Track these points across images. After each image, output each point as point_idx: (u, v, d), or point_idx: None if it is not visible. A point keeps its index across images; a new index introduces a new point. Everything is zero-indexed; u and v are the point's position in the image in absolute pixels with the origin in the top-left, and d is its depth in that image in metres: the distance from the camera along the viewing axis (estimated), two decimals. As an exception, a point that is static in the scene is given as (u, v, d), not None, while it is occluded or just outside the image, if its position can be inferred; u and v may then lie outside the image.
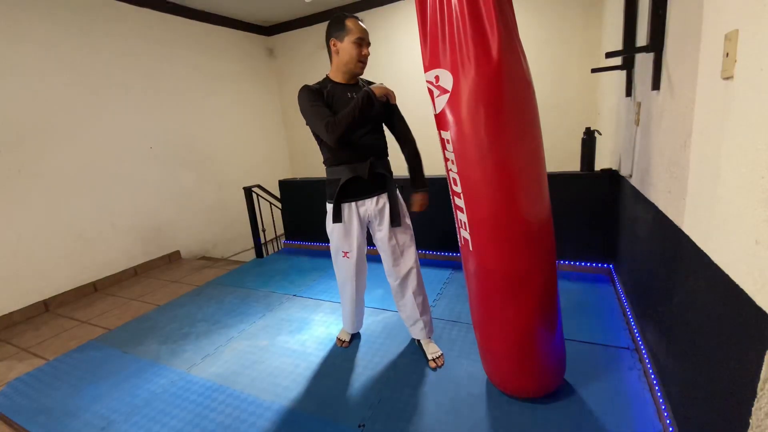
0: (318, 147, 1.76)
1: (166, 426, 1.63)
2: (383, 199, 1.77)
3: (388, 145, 1.81)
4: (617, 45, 2.28)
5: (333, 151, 1.69)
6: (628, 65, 2.05)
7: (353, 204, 1.75)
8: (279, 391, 1.78)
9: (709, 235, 1.00)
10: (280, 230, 4.48)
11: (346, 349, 2.06)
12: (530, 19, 3.96)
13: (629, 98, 2.10)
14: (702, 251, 1.03)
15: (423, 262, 3.04)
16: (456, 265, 2.99)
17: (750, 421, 0.76)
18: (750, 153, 0.78)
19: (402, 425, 1.50)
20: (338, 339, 2.11)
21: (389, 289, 2.00)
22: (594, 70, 2.12)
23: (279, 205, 4.11)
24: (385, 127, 1.80)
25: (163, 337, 2.38)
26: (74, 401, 1.85)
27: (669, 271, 1.34)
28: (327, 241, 1.88)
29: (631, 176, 2.01)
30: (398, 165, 1.93)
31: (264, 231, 4.02)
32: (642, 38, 1.72)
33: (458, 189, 1.37)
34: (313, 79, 1.77)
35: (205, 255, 4.49)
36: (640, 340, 1.75)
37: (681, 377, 1.22)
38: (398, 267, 1.83)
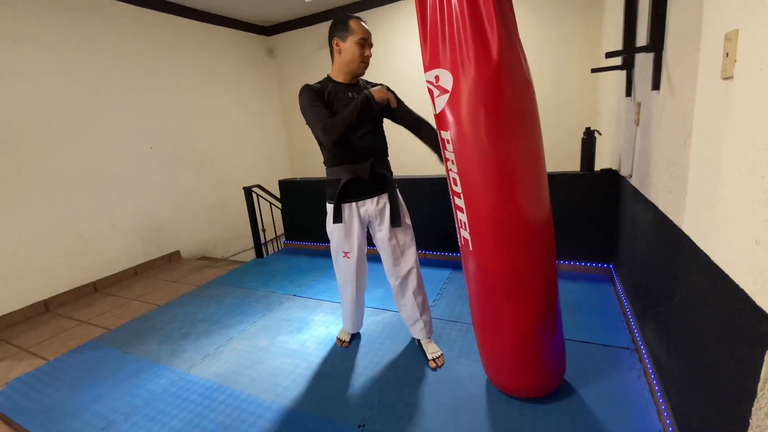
0: (318, 147, 1.76)
1: (166, 426, 1.63)
2: (384, 199, 1.77)
3: (388, 146, 1.81)
4: (617, 45, 2.28)
5: (333, 151, 1.69)
6: (628, 65, 2.05)
7: (354, 204, 1.75)
8: (279, 391, 1.78)
9: (709, 235, 1.00)
10: (280, 230, 4.48)
11: (346, 349, 2.06)
12: (530, 19, 3.96)
13: (629, 98, 2.10)
14: (702, 251, 1.03)
15: (423, 262, 3.04)
16: (456, 265, 2.99)
17: (750, 421, 0.76)
18: (750, 153, 0.78)
19: (402, 425, 1.50)
20: (338, 339, 2.11)
21: (389, 289, 2.00)
22: (594, 70, 2.12)
23: (279, 205, 4.11)
24: (385, 128, 1.80)
25: (163, 337, 2.38)
26: (74, 401, 1.85)
27: (669, 271, 1.34)
28: (327, 241, 1.89)
29: (631, 176, 2.01)
30: (399, 165, 1.93)
31: (264, 231, 4.02)
32: (642, 38, 1.71)
33: (458, 189, 1.37)
34: (313, 78, 1.77)
35: (205, 255, 4.49)
36: (640, 340, 1.75)
37: (681, 377, 1.22)
38: (398, 267, 1.83)
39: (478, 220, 1.34)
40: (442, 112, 1.31)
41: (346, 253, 1.83)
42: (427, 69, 1.33)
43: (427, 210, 2.93)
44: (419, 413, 1.55)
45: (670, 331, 1.34)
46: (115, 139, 3.62)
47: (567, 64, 3.95)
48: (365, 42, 1.62)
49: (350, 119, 1.52)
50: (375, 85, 1.77)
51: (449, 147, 1.34)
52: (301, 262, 3.50)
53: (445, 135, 1.34)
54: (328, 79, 1.70)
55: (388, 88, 1.76)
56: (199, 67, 4.52)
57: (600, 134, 2.57)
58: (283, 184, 3.88)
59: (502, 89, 1.20)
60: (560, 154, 3.83)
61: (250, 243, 4.13)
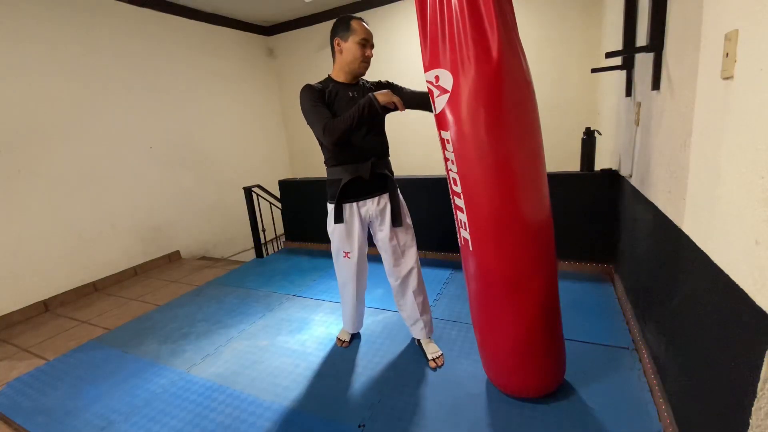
0: (319, 147, 1.76)
1: (166, 426, 1.63)
2: (384, 199, 1.77)
3: (389, 145, 1.81)
4: (617, 45, 2.28)
5: (334, 151, 1.69)
6: (628, 65, 2.05)
7: (354, 204, 1.75)
8: (279, 391, 1.78)
9: (709, 235, 1.00)
10: (280, 230, 4.48)
11: (346, 349, 2.06)
12: (530, 19, 3.96)
13: (629, 98, 2.10)
14: (702, 251, 1.03)
15: (423, 262, 3.04)
16: (456, 265, 2.99)
17: (750, 421, 0.76)
18: (750, 153, 0.78)
19: (402, 425, 1.50)
20: (338, 339, 2.11)
21: (389, 288, 2.00)
22: (594, 70, 2.12)
23: (279, 205, 4.11)
24: (385, 128, 1.80)
25: (163, 337, 2.38)
26: (74, 401, 1.85)
27: (669, 271, 1.34)
28: (327, 241, 1.89)
29: (631, 176, 2.01)
30: (399, 165, 1.93)
31: (264, 231, 4.02)
32: (642, 38, 1.71)
33: (458, 189, 1.37)
34: (313, 79, 1.77)
35: (205, 255, 4.49)
36: (640, 340, 1.75)
37: (681, 377, 1.22)
38: (399, 267, 1.83)
39: (478, 220, 1.34)
40: (442, 112, 1.31)
41: (347, 253, 1.83)
42: (427, 69, 1.33)
43: (427, 210, 2.92)
44: (419, 413, 1.55)
45: (670, 331, 1.34)
46: (115, 139, 3.62)
47: (567, 64, 3.95)
48: (366, 42, 1.62)
49: (351, 122, 1.52)
50: (376, 84, 1.77)
51: (449, 147, 1.34)
52: (301, 262, 3.49)
53: (445, 135, 1.34)
54: (329, 79, 1.70)
55: (389, 83, 1.76)
56: (199, 67, 4.51)
57: (600, 134, 2.57)
58: (283, 184, 3.88)
59: (502, 89, 1.20)
60: (560, 154, 3.83)
61: (250, 243, 4.13)
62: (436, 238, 3.14)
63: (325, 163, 1.77)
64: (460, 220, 1.41)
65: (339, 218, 1.75)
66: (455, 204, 1.42)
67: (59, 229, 3.20)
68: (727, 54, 0.86)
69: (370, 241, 1.87)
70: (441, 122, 1.34)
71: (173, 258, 4.12)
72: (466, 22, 1.18)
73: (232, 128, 5.02)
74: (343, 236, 1.79)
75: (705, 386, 1.03)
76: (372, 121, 1.67)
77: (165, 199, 4.09)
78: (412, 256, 1.83)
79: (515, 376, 1.51)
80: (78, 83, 3.34)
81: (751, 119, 0.78)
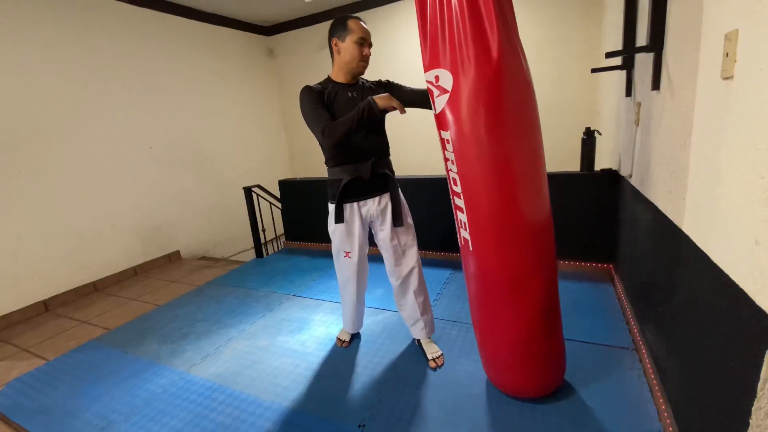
0: (319, 147, 1.76)
1: (166, 426, 1.63)
2: (385, 199, 1.77)
3: (389, 145, 1.81)
4: (617, 45, 2.28)
5: (335, 151, 1.68)
6: (628, 65, 2.05)
7: (355, 204, 1.75)
8: (279, 391, 1.78)
9: (709, 235, 1.00)
10: (280, 230, 4.48)
11: (346, 349, 2.06)
12: (530, 19, 3.96)
13: (629, 98, 2.10)
14: (702, 251, 1.03)
15: (423, 261, 3.03)
16: (456, 265, 2.99)
17: (750, 421, 0.76)
18: (750, 153, 0.78)
19: (402, 425, 1.50)
20: (338, 339, 2.11)
21: (390, 288, 2.00)
22: (594, 70, 2.12)
23: (279, 205, 4.11)
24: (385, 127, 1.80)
25: (163, 337, 2.38)
26: (74, 401, 1.85)
27: (669, 271, 1.34)
28: (327, 241, 1.89)
29: (631, 176, 2.01)
30: (399, 165, 1.93)
31: (264, 231, 4.02)
32: (642, 38, 1.71)
33: (458, 189, 1.37)
34: (313, 79, 1.77)
35: (205, 255, 4.49)
36: (640, 340, 1.75)
37: (681, 377, 1.22)
38: (400, 267, 1.83)
39: (478, 220, 1.34)
40: (442, 112, 1.31)
41: (348, 253, 1.83)
42: (427, 69, 1.33)
43: (427, 210, 2.92)
44: (419, 413, 1.55)
45: (670, 331, 1.34)
46: (115, 139, 3.62)
47: (567, 64, 3.95)
48: (364, 41, 1.62)
49: (350, 125, 1.52)
50: (376, 83, 1.77)
51: (449, 147, 1.34)
52: (301, 262, 3.49)
53: (445, 135, 1.34)
54: (329, 79, 1.70)
55: (389, 82, 1.76)
56: (199, 67, 4.51)
57: (600, 134, 2.57)
58: (283, 184, 3.88)
59: (502, 89, 1.20)
60: (560, 154, 3.83)
61: (250, 243, 4.13)
62: (436, 238, 3.14)
63: (325, 163, 1.77)
64: (460, 220, 1.41)
65: (340, 218, 1.75)
66: (455, 204, 1.42)
67: (59, 229, 3.20)
68: (727, 54, 0.86)
69: (371, 240, 1.87)
70: (441, 122, 1.34)
71: (173, 258, 4.12)
72: (466, 22, 1.18)
73: (232, 128, 5.02)
74: (343, 236, 1.79)
75: (705, 386, 1.03)
76: (371, 123, 1.67)
77: (165, 199, 4.09)
78: (413, 255, 1.83)
79: (515, 376, 1.51)
80: (78, 83, 3.34)
81: (751, 119, 0.78)
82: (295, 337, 2.23)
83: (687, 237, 1.14)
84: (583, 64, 3.82)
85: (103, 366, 2.13)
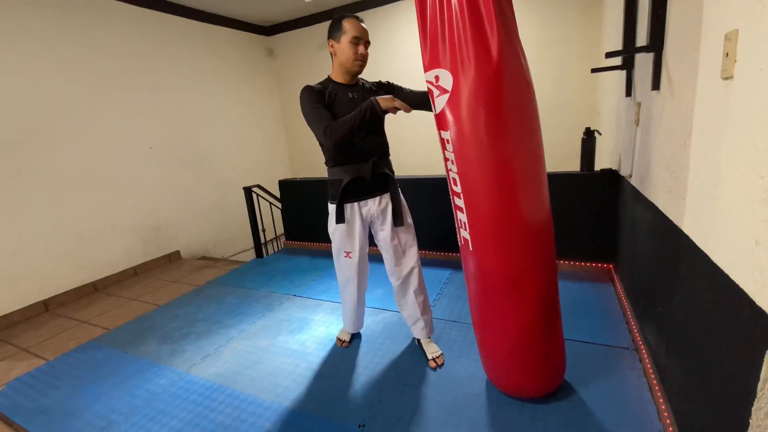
0: (319, 147, 1.76)
1: (166, 426, 1.63)
2: (386, 198, 1.77)
3: (389, 145, 1.81)
4: (617, 45, 2.28)
5: (335, 152, 1.68)
6: (628, 65, 2.05)
7: (355, 204, 1.75)
8: (279, 391, 1.78)
9: (709, 235, 1.00)
10: (280, 230, 4.48)
11: (346, 349, 2.06)
12: (530, 19, 3.96)
13: (629, 98, 2.10)
14: (702, 251, 1.03)
15: (423, 261, 3.04)
16: (456, 265, 2.99)
17: (750, 421, 0.76)
18: (750, 153, 0.78)
19: (402, 425, 1.50)
20: (338, 339, 2.11)
21: (390, 288, 2.00)
22: (594, 70, 2.12)
23: (279, 205, 4.11)
24: (385, 127, 1.80)
25: (163, 337, 2.38)
26: (74, 401, 1.85)
27: (669, 271, 1.34)
28: (327, 241, 1.89)
29: (631, 176, 2.01)
30: (399, 165, 1.93)
31: (264, 231, 4.02)
32: (642, 38, 1.71)
33: (458, 189, 1.37)
34: (313, 79, 1.77)
35: (205, 255, 4.49)
36: (640, 340, 1.75)
37: (681, 377, 1.22)
38: (400, 267, 1.83)
39: (478, 220, 1.34)
40: (442, 112, 1.31)
41: (348, 253, 1.83)
42: (427, 69, 1.33)
43: (427, 210, 2.92)
44: (419, 413, 1.55)
45: (670, 331, 1.34)
46: (114, 139, 3.62)
47: (567, 64, 3.95)
48: (358, 40, 1.60)
49: (353, 125, 1.52)
50: (376, 84, 1.77)
51: (449, 147, 1.34)
52: (301, 262, 3.49)
53: (445, 135, 1.34)
54: (329, 79, 1.70)
55: (389, 83, 1.76)
56: (199, 67, 4.51)
57: (600, 134, 2.57)
58: (283, 184, 3.88)
59: (502, 89, 1.20)
60: (560, 154, 3.83)
61: (250, 243, 4.13)
62: (436, 238, 3.14)
63: (325, 163, 1.77)
64: (460, 220, 1.41)
65: (340, 218, 1.75)
66: (455, 204, 1.42)
67: (59, 229, 3.20)
68: (727, 54, 0.87)
69: (371, 240, 1.87)
70: (441, 122, 1.34)
71: (173, 258, 4.12)
72: (466, 22, 1.18)
73: (232, 128, 5.02)
74: (344, 236, 1.79)
75: (705, 386, 1.03)
76: (372, 123, 1.67)
77: (165, 199, 4.09)
78: (413, 255, 1.83)
79: (515, 376, 1.51)
80: (78, 83, 3.34)
81: (751, 119, 0.78)
82: (295, 337, 2.23)
83: (687, 237, 1.14)
84: (583, 64, 3.82)
85: (103, 366, 2.13)
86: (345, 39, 1.60)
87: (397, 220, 1.77)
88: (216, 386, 1.85)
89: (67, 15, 3.26)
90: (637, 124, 1.83)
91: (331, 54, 1.67)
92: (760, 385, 0.73)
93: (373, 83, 1.78)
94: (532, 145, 1.30)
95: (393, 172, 1.80)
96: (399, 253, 1.82)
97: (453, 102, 1.26)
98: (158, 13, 4.03)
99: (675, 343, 1.29)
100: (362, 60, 1.64)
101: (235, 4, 4.47)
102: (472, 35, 1.18)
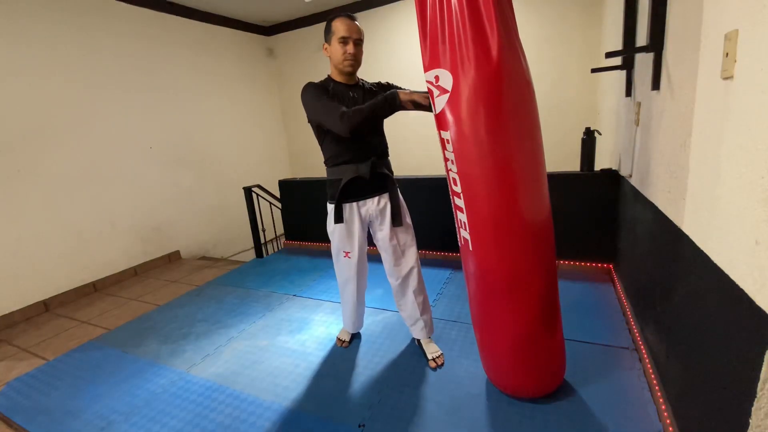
0: (319, 147, 1.76)
1: (165, 426, 1.63)
2: (384, 198, 1.77)
3: (388, 146, 1.81)
4: (617, 45, 2.28)
5: (335, 150, 1.68)
6: (628, 65, 2.05)
7: (354, 204, 1.75)
8: (279, 391, 1.78)
9: (709, 235, 1.00)
10: (280, 230, 4.48)
11: (346, 349, 2.06)
12: (530, 18, 3.96)
13: (629, 98, 2.10)
14: (702, 251, 1.03)
15: (423, 261, 3.04)
16: (456, 265, 2.99)
17: (750, 421, 0.76)
18: (750, 153, 0.78)
19: (402, 425, 1.50)
20: (338, 339, 2.11)
21: (389, 288, 2.00)
22: (594, 70, 2.12)
23: (279, 205, 4.11)
24: (385, 128, 1.80)
25: (163, 337, 2.38)
26: (74, 401, 1.85)
27: (669, 271, 1.34)
28: (327, 240, 1.89)
29: (631, 176, 2.01)
30: (399, 165, 1.93)
31: (264, 231, 4.01)
32: (642, 38, 1.71)
33: (458, 189, 1.37)
34: (313, 79, 1.77)
35: (205, 255, 4.49)
36: (640, 340, 1.75)
37: (681, 377, 1.22)
38: (399, 267, 1.83)
39: (478, 220, 1.34)
40: (442, 112, 1.31)
41: (347, 253, 1.83)
42: (427, 69, 1.33)
43: (427, 210, 2.92)
44: (419, 413, 1.55)
45: (670, 331, 1.34)
46: (114, 139, 3.62)
47: (567, 64, 3.95)
48: (346, 39, 1.60)
49: (369, 113, 1.50)
50: (377, 85, 1.77)
51: (449, 147, 1.34)
52: (301, 262, 3.49)
53: (445, 135, 1.34)
54: (329, 78, 1.71)
55: (390, 84, 1.77)
56: (199, 67, 4.51)
57: (600, 134, 2.57)
58: (283, 184, 3.88)
59: (502, 89, 1.20)
60: (560, 154, 3.83)
61: (250, 243, 4.12)
62: (436, 238, 3.14)
63: (324, 163, 1.77)
64: (460, 220, 1.41)
65: (339, 218, 1.75)
66: (455, 204, 1.42)
67: (59, 229, 3.20)
68: (727, 54, 0.87)
69: (370, 240, 1.87)
70: (441, 122, 1.34)
71: (173, 258, 4.11)
72: (466, 22, 1.18)
73: (232, 128, 5.02)
74: (343, 236, 1.79)
75: (705, 386, 1.03)
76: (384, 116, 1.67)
77: (165, 199, 4.09)
78: (412, 255, 1.83)
79: (515, 375, 1.51)
80: (78, 83, 3.34)
81: (751, 119, 0.78)
82: (295, 337, 2.23)
83: (687, 237, 1.14)
84: (583, 64, 3.82)
85: (103, 366, 2.13)
86: (334, 39, 1.60)
87: (396, 221, 1.77)
88: (216, 386, 1.85)
89: (67, 15, 3.26)
90: (637, 124, 1.83)
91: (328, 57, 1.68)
92: (760, 385, 0.73)
93: (373, 84, 1.78)
94: (532, 145, 1.30)
95: (392, 173, 1.80)
96: (398, 254, 1.82)
97: (453, 102, 1.26)
98: (158, 13, 4.03)
99: (675, 343, 1.29)
100: (352, 59, 1.63)
101: (235, 4, 4.47)
102: (472, 35, 1.18)
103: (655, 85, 1.49)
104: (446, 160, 1.39)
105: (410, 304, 1.85)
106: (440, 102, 1.31)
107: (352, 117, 1.49)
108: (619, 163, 2.39)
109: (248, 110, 5.30)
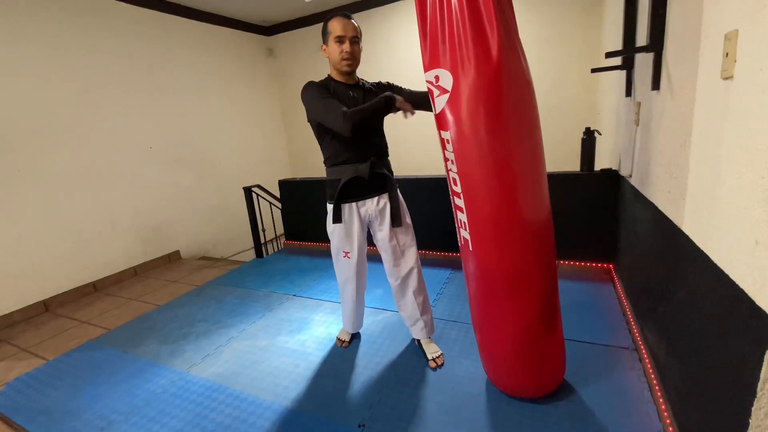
0: (318, 146, 1.76)
1: (165, 426, 1.63)
2: (384, 199, 1.77)
3: (388, 146, 1.81)
4: (617, 45, 2.28)
5: (334, 150, 1.68)
6: (628, 65, 2.05)
7: (354, 204, 1.75)
8: (279, 391, 1.78)
9: (709, 235, 1.00)
10: (280, 230, 4.48)
11: (346, 349, 2.06)
12: (530, 18, 3.96)
13: (629, 98, 2.10)
14: (702, 251, 1.03)
15: (423, 261, 3.04)
16: (456, 265, 2.99)
17: (750, 421, 0.76)
18: (750, 153, 0.78)
19: (402, 425, 1.50)
20: (338, 339, 2.11)
21: (389, 288, 2.00)
22: (594, 70, 2.12)
23: (279, 205, 4.11)
24: (384, 128, 1.80)
25: (163, 337, 2.37)
26: (74, 401, 1.85)
27: (669, 271, 1.34)
28: (327, 240, 1.89)
29: (631, 176, 2.01)
30: (399, 165, 1.93)
31: (264, 231, 4.02)
32: (642, 38, 1.71)
33: (458, 189, 1.37)
34: (313, 79, 1.77)
35: (205, 255, 4.49)
36: (640, 340, 1.75)
37: (681, 377, 1.22)
38: (399, 267, 1.83)
39: (478, 220, 1.34)
40: (442, 112, 1.31)
41: (347, 253, 1.83)
42: (427, 69, 1.33)
43: (427, 210, 2.92)
44: (419, 413, 1.55)
45: (670, 331, 1.34)
46: (114, 139, 3.62)
47: (567, 64, 3.95)
48: (342, 38, 1.60)
49: (370, 112, 1.54)
50: (377, 85, 1.77)
51: (449, 147, 1.34)
52: (301, 262, 3.49)
53: (445, 135, 1.34)
54: (330, 78, 1.71)
55: (389, 84, 1.77)
56: (199, 67, 4.51)
57: (600, 134, 2.57)
58: (283, 184, 3.88)
59: (502, 89, 1.20)
60: (560, 154, 3.83)
61: (250, 243, 4.12)
62: (436, 238, 3.14)
63: (324, 162, 1.77)
64: (460, 220, 1.41)
65: (338, 218, 1.75)
66: (455, 204, 1.42)
67: (59, 229, 3.20)
68: (727, 54, 0.87)
69: (370, 240, 1.87)
70: (441, 122, 1.34)
71: (173, 258, 4.11)
72: (466, 22, 1.18)
73: (232, 128, 5.02)
74: (342, 236, 1.79)
75: (705, 386, 1.03)
76: (382, 116, 1.67)
77: (165, 199, 4.09)
78: (412, 255, 1.83)
79: (515, 375, 1.51)
80: (78, 83, 3.33)
81: (751, 119, 0.78)
82: (295, 337, 2.23)
83: (687, 237, 1.14)
84: (583, 64, 3.82)
85: (103, 366, 2.13)
86: (331, 39, 1.61)
87: (396, 221, 1.77)
88: (216, 386, 1.85)
89: (67, 15, 3.26)
90: (637, 124, 1.83)
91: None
92: (760, 385, 0.73)
93: (373, 84, 1.78)
94: (532, 145, 1.30)
95: (392, 173, 1.80)
96: (398, 254, 1.82)
97: (453, 102, 1.26)
98: (158, 13, 4.03)
99: (675, 343, 1.29)
100: (350, 58, 1.63)
101: (235, 4, 4.47)
102: (472, 35, 1.18)
103: (655, 85, 1.49)
104: (446, 160, 1.39)
105: (410, 305, 1.85)
106: (440, 102, 1.31)
107: (353, 116, 1.51)
108: (619, 163, 2.39)
109: (248, 110, 5.30)
